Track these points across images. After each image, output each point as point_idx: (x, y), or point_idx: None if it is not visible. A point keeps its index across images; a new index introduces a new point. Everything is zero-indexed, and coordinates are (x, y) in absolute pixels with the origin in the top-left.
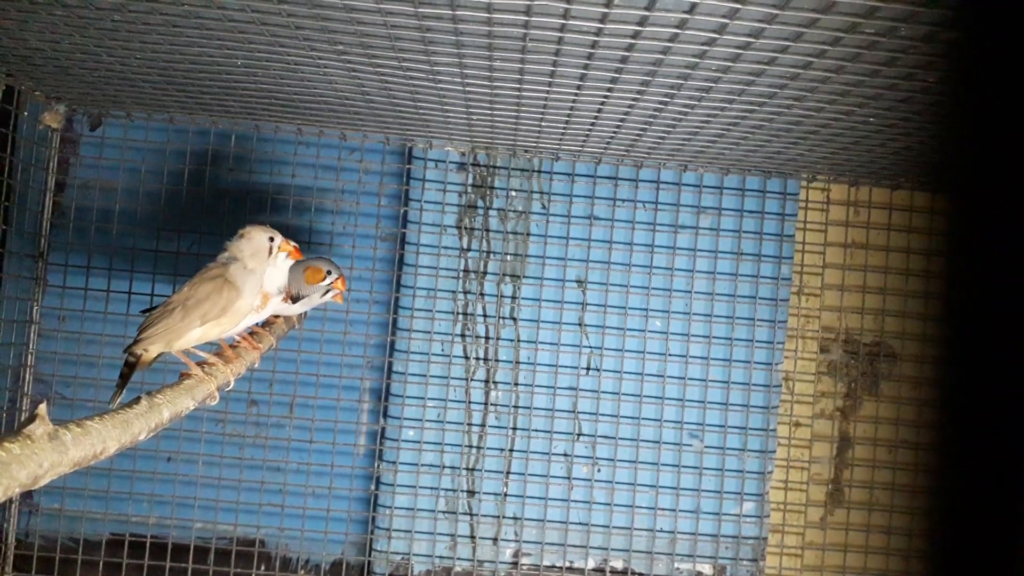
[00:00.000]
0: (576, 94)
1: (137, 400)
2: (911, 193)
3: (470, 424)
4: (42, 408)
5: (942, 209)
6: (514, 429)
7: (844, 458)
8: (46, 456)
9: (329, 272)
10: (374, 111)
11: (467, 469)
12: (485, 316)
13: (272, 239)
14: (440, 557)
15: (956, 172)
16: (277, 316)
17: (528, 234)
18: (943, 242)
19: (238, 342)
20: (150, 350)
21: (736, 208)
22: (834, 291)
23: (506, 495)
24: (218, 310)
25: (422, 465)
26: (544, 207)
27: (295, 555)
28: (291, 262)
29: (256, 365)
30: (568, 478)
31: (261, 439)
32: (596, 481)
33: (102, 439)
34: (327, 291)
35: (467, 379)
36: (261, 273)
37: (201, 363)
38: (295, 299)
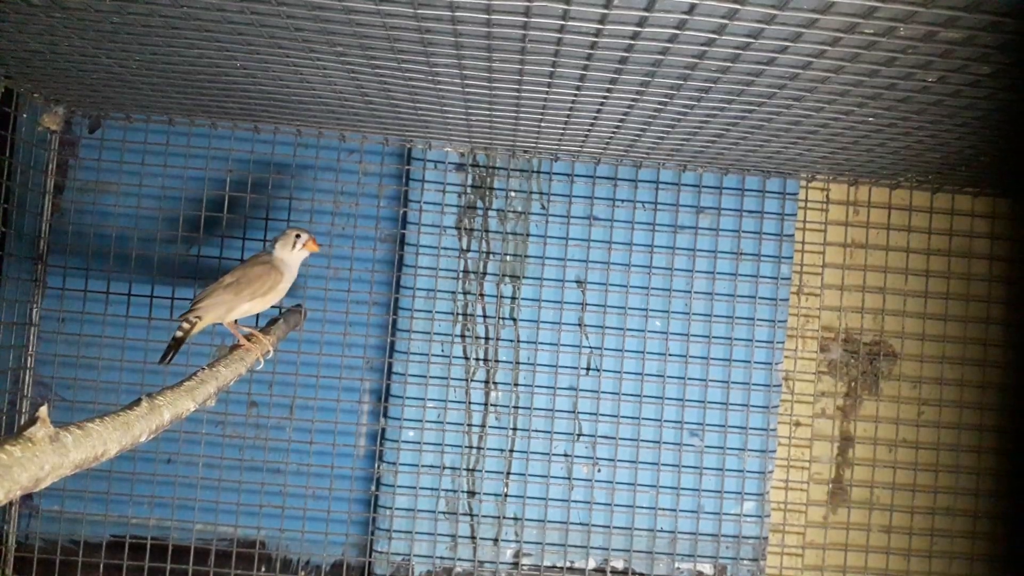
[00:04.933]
0: (575, 95)
1: (138, 402)
2: (910, 192)
3: (470, 425)
4: (43, 410)
5: (946, 208)
6: (514, 429)
7: (844, 457)
8: (47, 458)
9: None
10: (373, 112)
11: (467, 470)
12: (485, 317)
13: (298, 236)
14: (441, 558)
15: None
16: (278, 318)
17: (527, 235)
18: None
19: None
20: (204, 318)
21: (735, 208)
22: (834, 290)
23: (506, 495)
24: (266, 288)
25: (422, 466)
26: (543, 207)
27: (296, 556)
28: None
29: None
30: (568, 478)
31: (261, 441)
32: (596, 481)
33: (103, 441)
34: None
35: (467, 380)
36: (294, 264)
37: (247, 336)
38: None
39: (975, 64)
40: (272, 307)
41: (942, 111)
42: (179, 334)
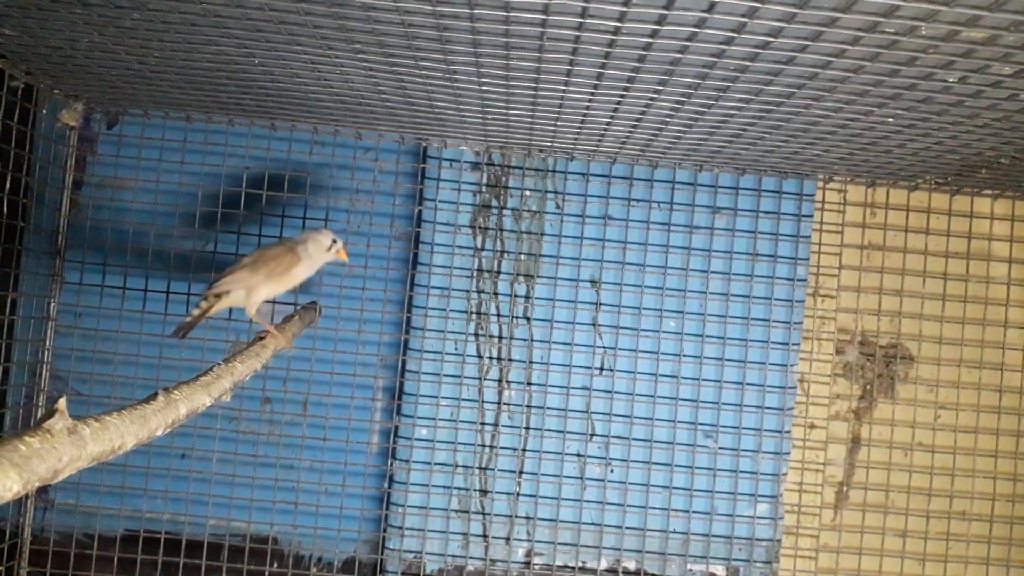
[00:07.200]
0: (592, 94)
1: (154, 396)
2: (929, 194)
3: (483, 423)
4: (61, 403)
5: (962, 211)
6: (527, 428)
7: (859, 460)
8: (65, 450)
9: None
10: (390, 110)
11: (480, 468)
12: (499, 315)
13: (335, 241)
14: (452, 556)
15: None
16: (293, 314)
17: (542, 234)
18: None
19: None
20: (222, 297)
21: (752, 209)
22: (850, 293)
23: (519, 494)
24: (282, 268)
25: (435, 464)
26: (558, 207)
27: (308, 553)
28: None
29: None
30: (581, 478)
31: (275, 437)
32: (609, 481)
33: (120, 434)
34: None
35: (480, 378)
36: (319, 260)
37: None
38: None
39: (997, 64)
40: (287, 303)
41: (963, 112)
42: (196, 312)
